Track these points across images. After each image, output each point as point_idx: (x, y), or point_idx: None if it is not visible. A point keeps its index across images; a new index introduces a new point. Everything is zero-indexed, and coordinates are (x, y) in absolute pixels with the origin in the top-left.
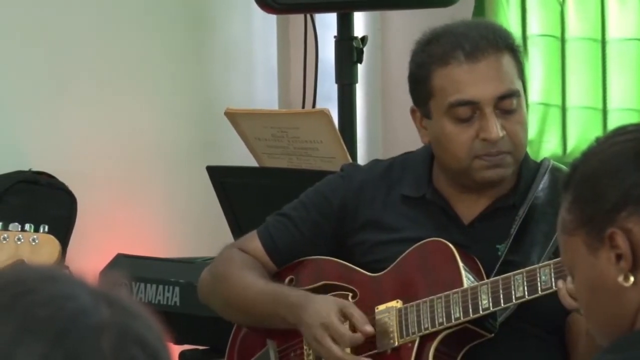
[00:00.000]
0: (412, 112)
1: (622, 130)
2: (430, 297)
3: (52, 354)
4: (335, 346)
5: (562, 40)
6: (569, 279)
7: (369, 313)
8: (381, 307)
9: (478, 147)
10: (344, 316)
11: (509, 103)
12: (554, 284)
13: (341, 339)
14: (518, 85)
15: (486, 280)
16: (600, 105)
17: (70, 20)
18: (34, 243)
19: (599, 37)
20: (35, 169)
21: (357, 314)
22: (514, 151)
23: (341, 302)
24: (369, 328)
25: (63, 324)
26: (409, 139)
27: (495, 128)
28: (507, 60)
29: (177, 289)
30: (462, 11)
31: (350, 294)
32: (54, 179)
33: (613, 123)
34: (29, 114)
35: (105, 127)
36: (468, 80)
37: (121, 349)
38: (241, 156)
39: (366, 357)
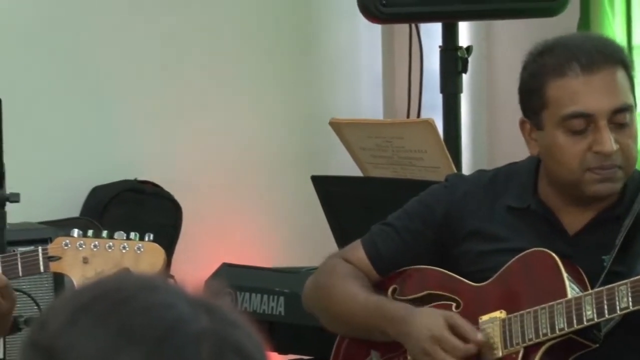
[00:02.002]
0: (522, 123)
1: None
2: (534, 308)
3: None
4: (450, 357)
5: None
6: None
7: (473, 323)
8: (485, 317)
9: (590, 160)
10: (451, 327)
11: (622, 117)
12: None
13: (454, 351)
14: (631, 100)
15: (590, 291)
16: None
17: (178, 33)
18: (139, 251)
19: None
20: (140, 178)
21: (464, 324)
22: (625, 166)
23: (446, 314)
24: (480, 337)
25: (162, 332)
26: (514, 149)
27: (610, 141)
28: (620, 75)
29: (281, 298)
30: (567, 21)
31: (454, 304)
32: (159, 188)
33: None
34: (135, 124)
35: (210, 136)
36: (584, 92)
37: (220, 357)
38: (346, 166)
39: None
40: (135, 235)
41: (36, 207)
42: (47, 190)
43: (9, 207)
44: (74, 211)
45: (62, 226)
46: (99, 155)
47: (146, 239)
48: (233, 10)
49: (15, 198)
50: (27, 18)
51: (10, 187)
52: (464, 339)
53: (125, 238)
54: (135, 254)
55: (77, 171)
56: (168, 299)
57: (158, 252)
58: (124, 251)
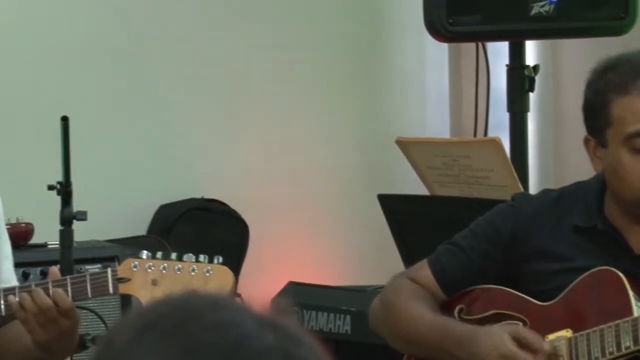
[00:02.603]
0: (586, 141)
1: None
2: (601, 327)
3: None
4: None
5: None
6: None
7: None
8: (551, 336)
9: None
10: (516, 341)
11: None
12: None
13: None
14: None
15: None
16: None
17: (245, 51)
18: (207, 274)
19: None
20: (207, 196)
21: (529, 335)
22: None
23: (510, 329)
24: (546, 345)
25: (227, 350)
26: (581, 167)
27: None
28: None
29: (348, 317)
30: (634, 39)
31: (520, 324)
32: (226, 207)
33: None
34: (202, 142)
35: (277, 155)
36: None
37: None
38: (412, 184)
39: None
40: (205, 257)
41: (103, 225)
42: (115, 208)
43: (76, 225)
44: (141, 229)
45: (129, 244)
46: (167, 174)
47: (215, 261)
48: (300, 28)
49: (82, 216)
50: (93, 38)
51: (77, 205)
52: (531, 350)
53: (194, 260)
54: (204, 276)
55: (145, 189)
56: (234, 317)
57: (227, 274)
58: (192, 273)
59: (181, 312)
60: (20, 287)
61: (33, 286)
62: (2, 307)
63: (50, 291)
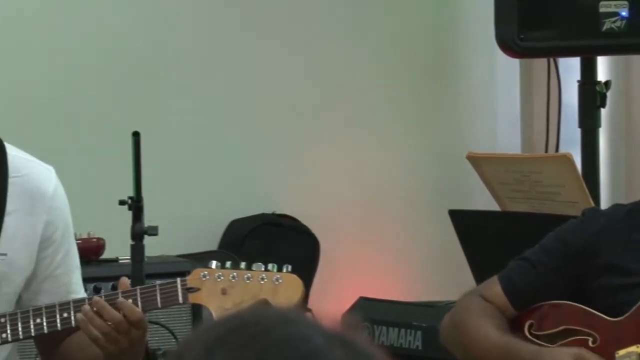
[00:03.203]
0: None
1: None
2: None
3: None
4: None
5: None
6: None
7: (609, 358)
8: (622, 352)
9: None
10: None
11: None
12: None
13: None
14: None
15: None
16: None
17: (315, 67)
18: (277, 283)
19: None
20: (278, 211)
21: (593, 358)
22: None
23: (575, 352)
24: None
25: None
26: None
27: None
28: None
29: (419, 332)
30: None
31: (590, 339)
32: (297, 222)
33: None
34: (273, 157)
35: (347, 170)
36: None
37: None
38: (483, 200)
39: None
40: (273, 266)
41: (174, 240)
42: (186, 223)
43: (148, 240)
44: (212, 244)
45: (200, 259)
46: (238, 189)
47: (284, 270)
48: (370, 45)
49: (153, 231)
50: (165, 54)
51: (148, 220)
52: None
53: (263, 269)
54: (274, 285)
55: (216, 204)
56: (304, 332)
57: (296, 283)
58: (262, 282)
59: (251, 327)
60: (89, 298)
61: (103, 297)
62: (72, 317)
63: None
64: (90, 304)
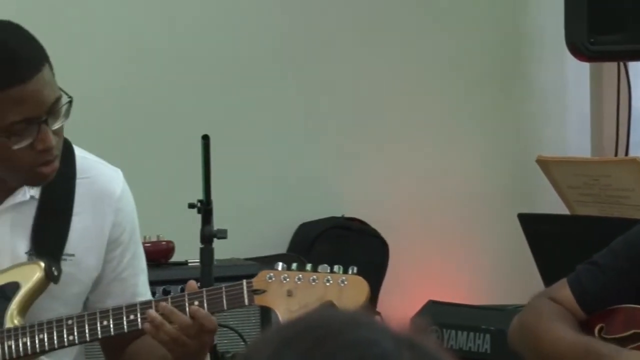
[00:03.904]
0: None
1: None
2: None
3: None
4: None
5: None
6: None
7: None
8: None
9: None
10: None
11: None
12: None
13: None
14: None
15: None
16: None
17: (388, 72)
18: (342, 284)
19: None
20: (347, 215)
21: None
22: None
23: None
24: None
25: None
26: None
27: None
28: None
29: (487, 336)
30: None
31: None
32: (366, 226)
33: None
34: (343, 160)
35: (417, 174)
36: None
37: None
38: (553, 204)
39: None
40: (339, 268)
41: (244, 243)
42: (255, 226)
43: (217, 243)
44: (282, 248)
45: (269, 262)
46: (307, 192)
47: (350, 272)
48: (441, 50)
49: (222, 234)
50: (235, 58)
51: (218, 224)
52: None
53: (329, 271)
54: (339, 286)
55: (285, 208)
56: (372, 335)
57: (362, 285)
58: (327, 284)
59: (319, 330)
60: (155, 300)
61: (169, 300)
62: (139, 320)
63: (187, 308)
64: (157, 309)
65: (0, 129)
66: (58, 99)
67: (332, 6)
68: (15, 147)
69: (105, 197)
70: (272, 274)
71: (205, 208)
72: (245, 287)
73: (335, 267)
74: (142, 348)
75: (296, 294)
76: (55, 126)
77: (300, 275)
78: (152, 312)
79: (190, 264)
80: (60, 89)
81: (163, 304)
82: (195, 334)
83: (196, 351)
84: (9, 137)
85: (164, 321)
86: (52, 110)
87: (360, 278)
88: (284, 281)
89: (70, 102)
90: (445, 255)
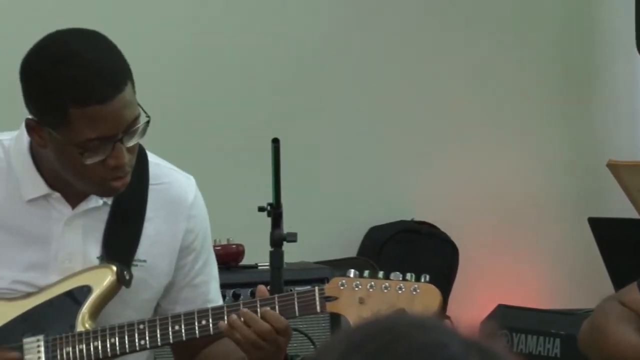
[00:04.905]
0: None
1: None
2: None
3: None
4: None
5: None
6: None
7: None
8: None
9: None
10: None
11: None
12: None
13: None
14: None
15: None
16: None
17: (452, 77)
18: (414, 292)
19: None
20: (417, 218)
21: None
22: None
23: None
24: None
25: None
26: None
27: None
28: None
29: (557, 340)
30: None
31: None
32: (436, 229)
33: None
34: (413, 164)
35: (487, 178)
36: None
37: None
38: (623, 208)
39: None
40: (412, 276)
41: (314, 246)
42: (325, 230)
43: (287, 246)
44: (351, 251)
45: (339, 266)
46: (377, 196)
47: (422, 279)
48: (511, 54)
49: (292, 238)
50: (303, 61)
51: (288, 227)
52: None
53: (401, 279)
54: (411, 294)
55: (355, 211)
56: (441, 339)
57: (434, 293)
58: (399, 292)
59: (388, 334)
60: (228, 306)
61: (242, 306)
62: (211, 325)
63: (259, 310)
64: (238, 315)
65: (74, 144)
66: (136, 118)
67: (405, 5)
68: (88, 162)
69: (178, 203)
70: (344, 281)
71: (275, 211)
72: (317, 294)
73: (408, 275)
74: (217, 355)
75: (368, 301)
76: (130, 144)
77: (373, 283)
78: (233, 315)
79: (260, 267)
80: (139, 105)
81: (244, 309)
82: (273, 338)
83: (272, 354)
84: (82, 153)
85: (242, 325)
86: (129, 129)
87: (432, 286)
88: (356, 288)
89: (147, 122)
90: (515, 259)
